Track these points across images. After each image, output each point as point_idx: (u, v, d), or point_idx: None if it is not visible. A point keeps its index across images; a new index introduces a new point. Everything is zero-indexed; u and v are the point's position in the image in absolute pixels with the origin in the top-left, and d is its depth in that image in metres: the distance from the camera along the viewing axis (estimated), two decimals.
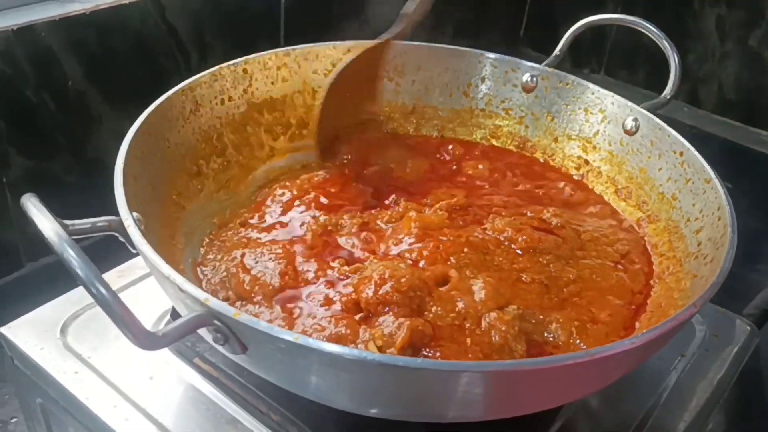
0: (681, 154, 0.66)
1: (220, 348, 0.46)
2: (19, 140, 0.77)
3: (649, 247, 0.67)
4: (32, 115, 0.77)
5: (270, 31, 0.99)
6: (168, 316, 0.66)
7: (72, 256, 0.40)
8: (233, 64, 0.72)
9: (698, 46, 1.30)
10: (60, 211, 0.80)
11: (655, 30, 0.73)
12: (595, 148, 0.76)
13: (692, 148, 0.65)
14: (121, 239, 0.52)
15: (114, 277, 0.71)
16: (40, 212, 0.43)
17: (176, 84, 0.87)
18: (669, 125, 0.92)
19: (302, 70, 0.77)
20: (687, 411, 0.64)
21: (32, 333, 0.64)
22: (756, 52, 1.24)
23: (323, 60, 0.78)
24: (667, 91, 0.73)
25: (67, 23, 0.77)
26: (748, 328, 0.73)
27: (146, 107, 0.83)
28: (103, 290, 0.40)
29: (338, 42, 0.78)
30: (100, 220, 0.51)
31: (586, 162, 0.76)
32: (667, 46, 0.72)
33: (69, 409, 0.61)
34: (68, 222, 0.49)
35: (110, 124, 0.84)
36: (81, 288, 0.66)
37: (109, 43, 0.81)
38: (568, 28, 1.46)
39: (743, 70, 1.27)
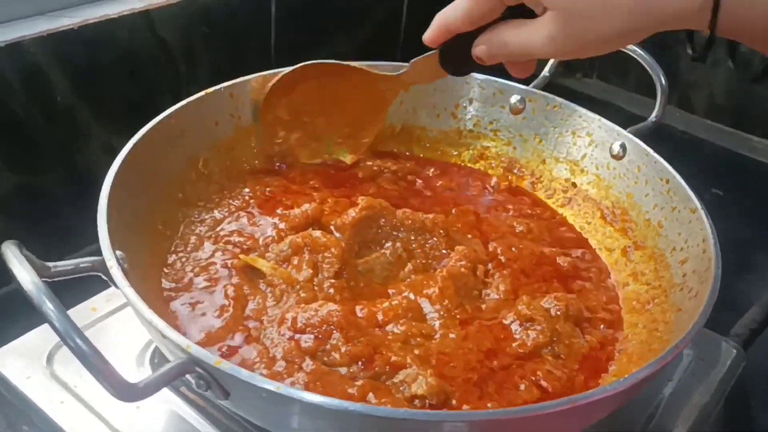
0: (667, 181, 0.66)
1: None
2: (8, 155, 0.76)
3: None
4: (21, 131, 0.77)
5: (260, 43, 0.98)
6: None
7: (50, 309, 0.40)
8: (219, 88, 0.71)
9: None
10: (50, 226, 0.81)
11: (642, 53, 0.73)
12: (582, 171, 0.75)
13: (678, 176, 0.65)
14: (105, 278, 0.51)
15: (102, 301, 0.70)
16: (19, 262, 0.42)
17: (166, 97, 0.87)
18: (662, 130, 0.91)
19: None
20: None
21: (18, 361, 0.64)
22: (746, 58, 1.24)
23: None
24: (654, 114, 0.73)
25: (55, 38, 0.77)
26: (734, 351, 0.73)
27: (136, 120, 0.83)
28: (81, 344, 0.40)
29: (325, 60, 0.77)
30: (83, 261, 0.51)
31: (574, 185, 0.76)
32: (655, 68, 0.72)
33: None
34: (50, 264, 0.49)
35: (100, 138, 0.84)
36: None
37: (98, 57, 0.81)
38: None
39: (734, 76, 1.27)
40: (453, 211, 0.74)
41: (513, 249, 0.69)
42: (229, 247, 0.65)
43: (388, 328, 0.58)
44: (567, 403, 0.43)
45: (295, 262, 0.62)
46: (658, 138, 0.77)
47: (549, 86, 0.81)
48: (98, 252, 0.52)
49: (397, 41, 1.21)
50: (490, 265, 0.67)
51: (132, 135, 0.65)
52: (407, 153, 0.83)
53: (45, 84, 0.77)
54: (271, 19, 0.98)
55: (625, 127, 0.74)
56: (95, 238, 0.53)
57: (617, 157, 0.72)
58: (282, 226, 0.67)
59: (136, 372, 0.64)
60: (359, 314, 0.59)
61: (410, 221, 0.67)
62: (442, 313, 0.61)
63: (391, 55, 1.21)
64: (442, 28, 0.59)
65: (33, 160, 0.79)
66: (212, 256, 0.64)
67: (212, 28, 0.91)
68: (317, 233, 0.64)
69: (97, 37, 0.80)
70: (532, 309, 0.60)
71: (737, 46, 1.23)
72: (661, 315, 0.60)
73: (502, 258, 0.68)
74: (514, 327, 0.60)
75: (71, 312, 0.68)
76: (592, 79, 1.43)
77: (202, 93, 0.70)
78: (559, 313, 0.60)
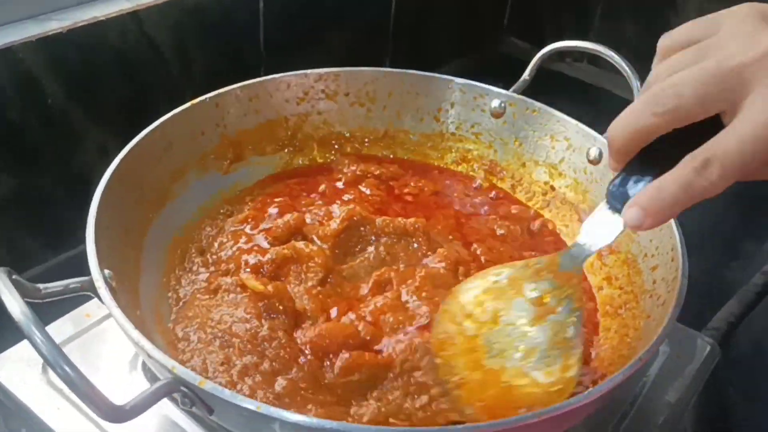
0: None
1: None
2: (4, 159, 0.78)
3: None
4: (16, 135, 0.78)
5: (251, 41, 0.99)
6: None
7: (39, 339, 0.42)
8: (205, 98, 0.73)
9: None
10: (47, 226, 0.83)
11: (618, 59, 0.74)
12: (560, 174, 0.77)
13: None
14: (94, 296, 0.54)
15: (95, 307, 0.72)
16: (8, 291, 0.44)
17: (159, 96, 0.88)
18: None
19: (274, 99, 0.78)
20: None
21: (15, 368, 0.66)
22: None
23: (295, 89, 0.79)
24: None
25: (45, 43, 0.78)
26: (709, 346, 0.75)
27: (129, 120, 0.85)
28: (69, 371, 0.42)
29: (310, 70, 0.79)
30: (72, 282, 0.52)
31: (552, 188, 0.78)
32: (631, 76, 0.73)
33: None
34: (41, 286, 0.51)
35: (94, 139, 0.85)
36: (61, 321, 0.69)
37: (88, 59, 0.82)
38: (553, 17, 1.46)
39: None
40: (435, 214, 0.76)
41: (493, 252, 0.71)
42: (219, 261, 0.68)
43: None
44: (533, 417, 0.45)
45: (283, 274, 0.65)
46: None
47: (540, 71, 0.82)
48: None
49: (387, 39, 1.22)
50: (472, 266, 0.69)
51: (126, 136, 0.67)
52: (391, 156, 0.84)
53: (37, 88, 0.78)
54: (260, 17, 0.99)
55: (611, 113, 0.75)
56: None
57: (594, 162, 0.73)
58: (266, 238, 0.69)
59: (128, 377, 0.66)
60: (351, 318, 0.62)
61: (390, 227, 0.69)
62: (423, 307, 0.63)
63: (382, 53, 1.22)
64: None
65: (29, 163, 0.81)
66: (201, 270, 0.67)
67: (202, 25, 0.92)
68: (300, 244, 0.66)
69: (88, 40, 0.81)
70: None
71: None
72: (632, 321, 0.62)
73: (483, 259, 0.70)
74: None
75: (66, 318, 0.70)
76: (582, 63, 1.44)
77: (188, 104, 0.71)
78: None
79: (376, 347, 0.59)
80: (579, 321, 0.54)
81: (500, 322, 0.56)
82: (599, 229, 0.53)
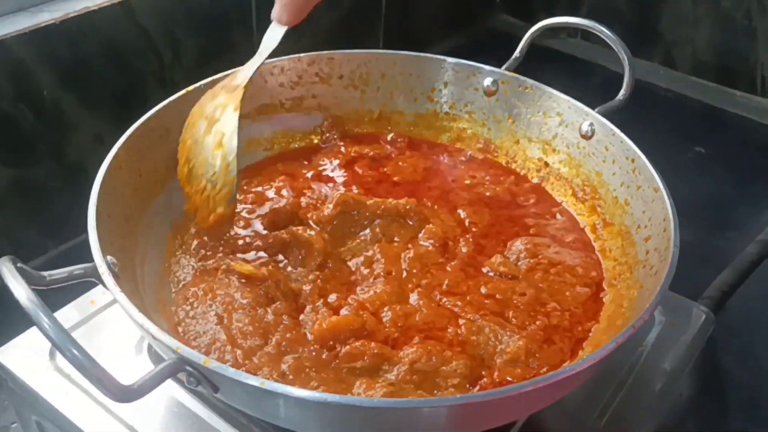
0: (633, 160, 0.69)
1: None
2: (0, 151, 0.79)
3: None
4: (11, 127, 0.80)
5: (243, 23, 1.00)
6: None
7: (46, 324, 0.43)
8: (200, 85, 0.73)
9: (672, 9, 1.31)
10: (46, 216, 0.84)
11: (610, 34, 0.75)
12: (554, 150, 0.78)
13: (643, 156, 0.67)
14: (98, 282, 0.55)
15: (99, 294, 0.73)
16: (14, 278, 0.45)
17: (152, 84, 0.89)
18: (646, 89, 0.89)
19: (269, 84, 0.79)
20: (645, 401, 0.68)
21: (23, 356, 0.67)
22: (729, 14, 1.26)
23: (289, 73, 0.80)
24: (622, 93, 0.75)
25: (38, 35, 0.79)
26: (704, 315, 0.76)
27: (123, 109, 0.86)
28: (77, 354, 0.43)
29: (303, 54, 0.80)
30: (77, 268, 0.54)
31: (546, 164, 0.79)
32: (621, 51, 0.74)
33: (62, 427, 0.64)
34: (45, 273, 0.52)
35: (89, 129, 0.86)
36: (66, 309, 0.70)
37: (81, 49, 0.83)
38: None
39: (716, 32, 1.29)
40: (425, 188, 0.77)
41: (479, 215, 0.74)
42: (216, 245, 0.69)
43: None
44: (528, 385, 0.46)
45: (281, 258, 0.66)
46: (641, 98, 0.79)
47: (532, 46, 0.83)
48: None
49: (379, 17, 1.22)
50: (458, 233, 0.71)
51: (120, 124, 0.67)
52: (388, 128, 0.85)
53: (31, 80, 0.79)
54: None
55: (605, 88, 0.76)
56: None
57: (586, 137, 0.74)
58: (263, 222, 0.70)
59: (134, 361, 0.67)
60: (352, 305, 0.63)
61: (382, 209, 0.70)
62: (419, 290, 0.64)
63: (374, 31, 1.23)
64: None
65: (25, 154, 0.82)
66: (200, 254, 0.68)
67: (193, 10, 0.93)
68: (299, 230, 0.67)
69: (80, 30, 0.82)
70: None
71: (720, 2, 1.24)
72: (627, 291, 0.63)
73: (467, 222, 0.73)
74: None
75: (71, 305, 0.72)
76: (576, 38, 1.45)
77: (183, 91, 0.72)
78: None
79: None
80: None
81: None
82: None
